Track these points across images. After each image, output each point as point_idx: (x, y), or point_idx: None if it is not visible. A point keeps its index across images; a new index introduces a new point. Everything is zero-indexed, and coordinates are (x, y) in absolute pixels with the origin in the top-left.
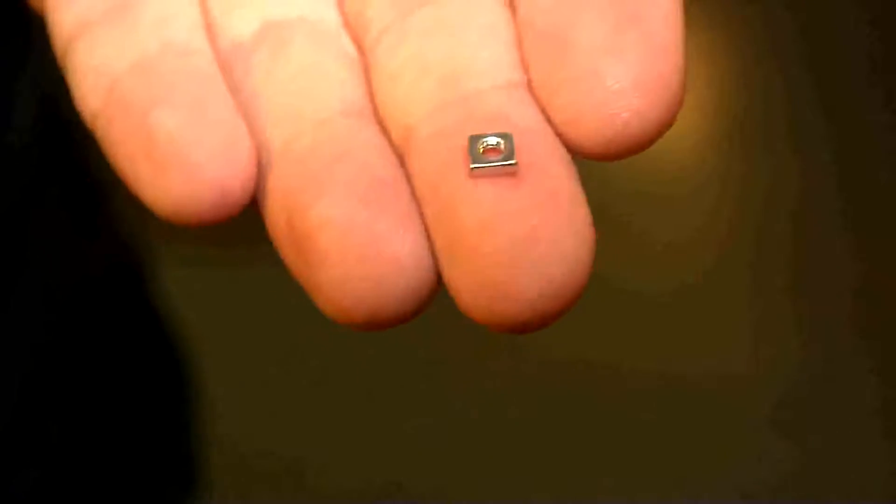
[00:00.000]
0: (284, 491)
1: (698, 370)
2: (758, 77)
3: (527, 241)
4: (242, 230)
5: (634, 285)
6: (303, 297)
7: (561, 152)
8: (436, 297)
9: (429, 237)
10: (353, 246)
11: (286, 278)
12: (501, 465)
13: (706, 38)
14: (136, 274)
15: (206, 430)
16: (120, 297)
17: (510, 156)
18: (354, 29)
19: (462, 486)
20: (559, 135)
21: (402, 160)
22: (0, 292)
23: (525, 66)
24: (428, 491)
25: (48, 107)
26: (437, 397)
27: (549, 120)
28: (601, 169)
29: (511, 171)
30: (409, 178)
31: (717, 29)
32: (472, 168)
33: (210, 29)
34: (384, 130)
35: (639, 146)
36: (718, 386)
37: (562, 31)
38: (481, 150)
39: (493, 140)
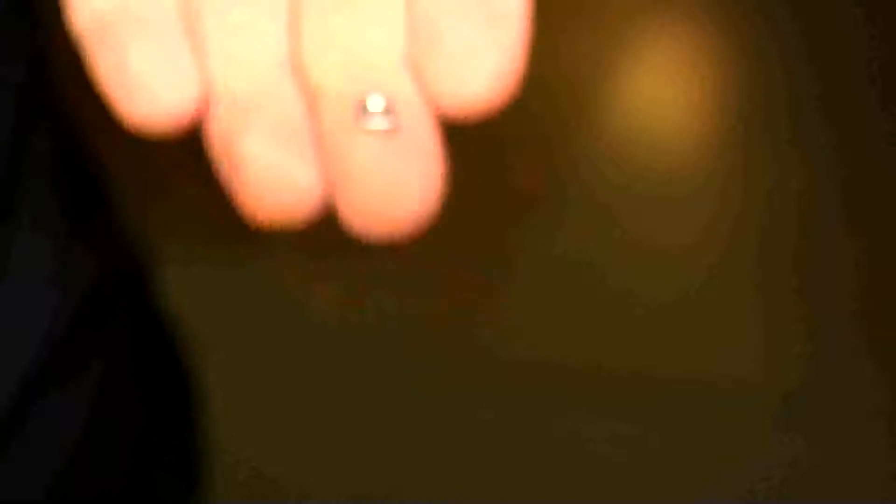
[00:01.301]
0: (284, 491)
1: (704, 372)
2: (760, 78)
3: (394, 183)
4: (242, 231)
5: (639, 287)
6: (303, 297)
7: (427, 116)
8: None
9: (324, 170)
10: (268, 174)
11: (286, 278)
12: (500, 467)
13: (707, 39)
14: (136, 273)
15: (205, 431)
16: (120, 297)
17: (389, 117)
18: None
19: (463, 489)
20: (428, 102)
21: (312, 105)
22: None
23: (409, 45)
24: (423, 496)
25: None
26: (436, 399)
27: (421, 90)
28: (606, 172)
29: (389, 129)
30: (315, 122)
31: (718, 29)
32: (360, 126)
33: None
34: (301, 80)
35: (483, 117)
36: (724, 387)
37: (437, 25)
38: (367, 110)
39: (377, 103)
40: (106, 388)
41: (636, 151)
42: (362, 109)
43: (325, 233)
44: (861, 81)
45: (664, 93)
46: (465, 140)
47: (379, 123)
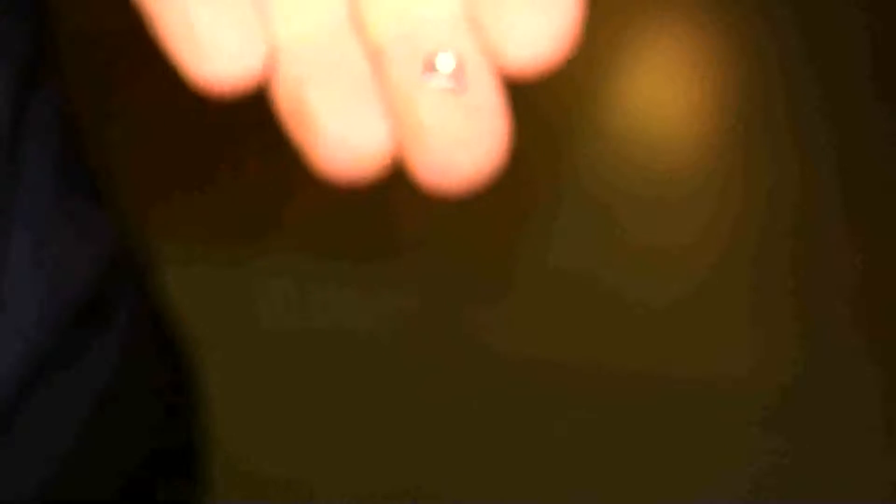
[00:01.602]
0: (284, 491)
1: (701, 372)
2: (760, 78)
3: (460, 139)
4: (242, 231)
5: (638, 288)
6: (302, 296)
7: (490, 74)
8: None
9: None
10: (339, 125)
11: (286, 278)
12: (500, 468)
13: (707, 39)
14: (136, 273)
15: (205, 431)
16: (119, 296)
17: (455, 75)
18: None
19: (464, 490)
20: (489, 57)
21: (377, 63)
22: None
23: (468, 3)
24: (423, 496)
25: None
26: (437, 399)
27: (483, 46)
28: (606, 173)
29: (454, 87)
30: (382, 80)
31: (718, 30)
32: (427, 82)
33: None
34: (365, 38)
35: (544, 74)
36: (721, 387)
37: None
38: (434, 69)
39: (445, 62)
40: (105, 387)
41: (636, 152)
42: (429, 68)
43: (325, 232)
44: (861, 82)
45: (664, 93)
46: None
47: (447, 82)
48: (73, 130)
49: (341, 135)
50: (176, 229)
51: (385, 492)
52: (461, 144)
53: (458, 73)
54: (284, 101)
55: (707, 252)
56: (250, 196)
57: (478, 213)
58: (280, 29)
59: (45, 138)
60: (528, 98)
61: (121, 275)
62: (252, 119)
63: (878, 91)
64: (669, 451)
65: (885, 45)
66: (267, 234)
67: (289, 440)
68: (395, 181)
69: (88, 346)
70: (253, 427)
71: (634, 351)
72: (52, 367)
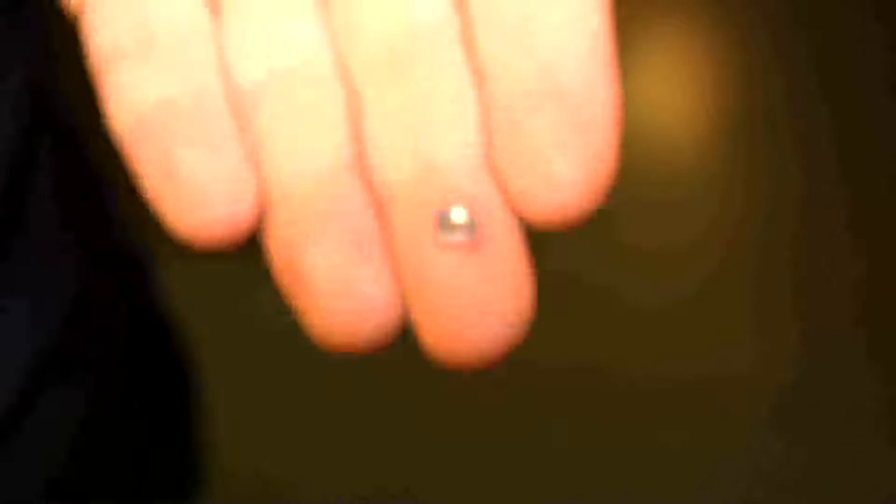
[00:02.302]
0: (284, 491)
1: (701, 371)
2: (761, 79)
3: (478, 307)
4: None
5: (639, 288)
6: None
7: (513, 227)
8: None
9: (401, 287)
10: (338, 289)
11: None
12: (499, 467)
13: (708, 41)
14: (136, 273)
15: (204, 432)
16: (119, 295)
17: (472, 230)
18: (346, 75)
19: (462, 493)
20: (511, 207)
21: (381, 212)
22: None
23: (488, 146)
24: (423, 496)
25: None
26: (436, 399)
27: (503, 193)
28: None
29: (472, 246)
30: (388, 233)
31: (719, 32)
32: (439, 240)
33: (224, 71)
34: (369, 184)
35: (573, 225)
36: (721, 386)
37: (519, 124)
38: (448, 224)
39: (458, 216)
40: (104, 387)
41: (636, 153)
42: (441, 220)
43: None
44: (862, 82)
45: (665, 95)
46: None
47: (461, 236)
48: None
49: (340, 301)
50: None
51: (385, 492)
52: (477, 311)
53: (474, 227)
54: (277, 256)
55: (708, 254)
56: None
57: None
58: (275, 170)
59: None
60: None
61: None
62: None
63: (879, 90)
64: (669, 451)
65: (888, 47)
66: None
67: (289, 440)
68: None
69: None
70: (253, 427)
71: (635, 353)
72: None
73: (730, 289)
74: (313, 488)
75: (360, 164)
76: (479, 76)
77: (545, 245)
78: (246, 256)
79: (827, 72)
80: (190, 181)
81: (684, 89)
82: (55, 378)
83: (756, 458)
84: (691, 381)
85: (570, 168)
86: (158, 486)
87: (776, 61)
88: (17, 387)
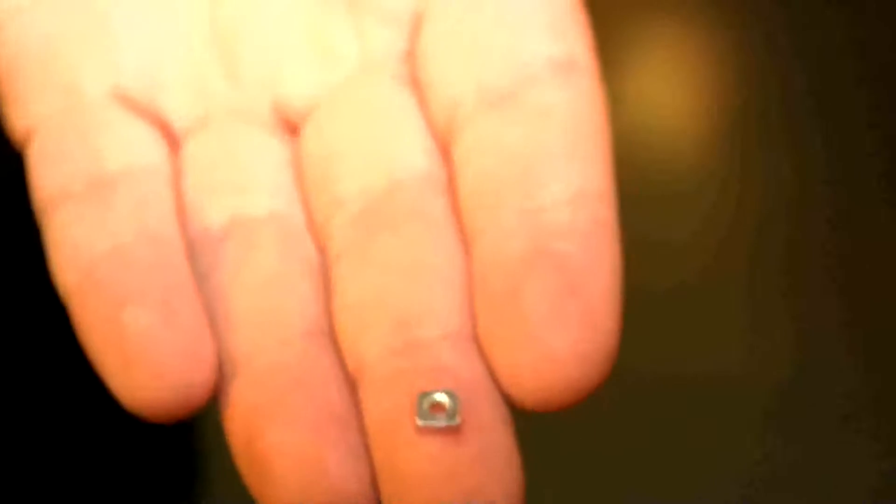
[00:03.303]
0: None
1: (693, 369)
2: (754, 79)
3: (459, 494)
4: None
5: (631, 285)
6: None
7: (501, 410)
8: None
9: (374, 471)
10: (303, 473)
11: None
12: None
13: (705, 40)
14: None
15: (204, 431)
16: None
17: (454, 415)
18: (318, 232)
19: None
20: (499, 386)
21: (354, 386)
22: None
23: (474, 317)
24: None
25: None
26: None
27: (491, 371)
28: None
29: (454, 430)
30: (360, 410)
31: (716, 30)
32: (419, 424)
33: (182, 214)
34: (340, 353)
35: (570, 404)
36: (714, 385)
37: (510, 293)
38: (428, 407)
39: (439, 397)
40: (104, 387)
41: (631, 149)
42: (419, 405)
43: None
44: (854, 83)
45: (660, 92)
46: None
47: (443, 420)
48: None
49: (305, 487)
50: None
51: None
52: (457, 499)
53: (458, 410)
54: (234, 434)
55: (702, 251)
56: None
57: None
58: (234, 334)
59: None
60: None
61: None
62: None
63: (871, 92)
64: (661, 450)
65: (879, 47)
66: None
67: None
68: None
69: None
70: None
71: (628, 347)
72: None
73: (721, 289)
74: None
75: (332, 332)
76: (467, 238)
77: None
78: None
79: (820, 73)
80: (141, 348)
81: (681, 89)
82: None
83: (749, 458)
84: (684, 381)
85: (566, 342)
86: (159, 486)
87: (771, 62)
88: (18, 392)
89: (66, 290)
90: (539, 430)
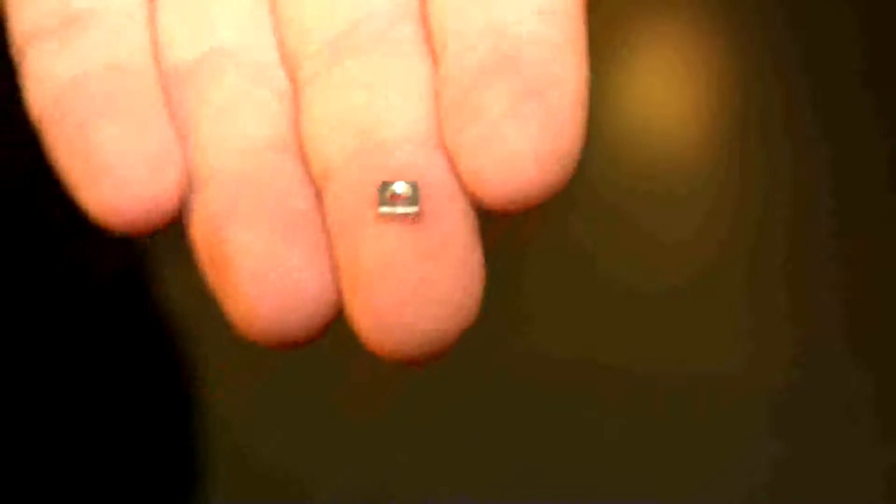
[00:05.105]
0: (285, 491)
1: (694, 369)
2: (756, 78)
3: (419, 286)
4: None
5: (632, 284)
6: None
7: (462, 204)
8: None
9: (335, 270)
10: (265, 273)
11: None
12: (498, 466)
13: (706, 40)
14: (137, 274)
15: (205, 431)
16: (121, 297)
17: (414, 202)
18: (289, 64)
19: (460, 487)
20: (463, 188)
21: (319, 195)
22: None
23: (439, 122)
24: (428, 492)
25: None
26: (433, 399)
27: (455, 173)
28: (604, 170)
29: (415, 218)
30: (323, 214)
31: (717, 31)
32: (379, 212)
33: (156, 49)
34: (306, 164)
35: (532, 204)
36: (714, 385)
37: (470, 93)
38: (389, 196)
39: (400, 187)
40: (105, 387)
41: (632, 150)
42: (380, 194)
43: None
44: (856, 83)
45: (662, 92)
46: None
47: (402, 208)
48: None
49: (267, 284)
50: (176, 229)
51: (389, 489)
52: (418, 294)
53: (417, 198)
54: (198, 236)
55: (703, 251)
56: None
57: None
58: (201, 147)
59: None
60: None
61: None
62: None
63: (872, 90)
64: (662, 452)
65: (880, 46)
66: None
67: (289, 439)
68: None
69: None
70: (253, 426)
71: (628, 347)
72: None
73: (721, 289)
74: (315, 487)
75: (297, 142)
76: (435, 55)
77: (542, 241)
78: None
79: (821, 74)
80: (107, 157)
81: (683, 89)
82: (56, 376)
83: (750, 460)
84: (685, 383)
85: (525, 139)
86: (159, 486)
87: (772, 63)
88: (18, 392)
89: (37, 116)
90: (539, 429)
